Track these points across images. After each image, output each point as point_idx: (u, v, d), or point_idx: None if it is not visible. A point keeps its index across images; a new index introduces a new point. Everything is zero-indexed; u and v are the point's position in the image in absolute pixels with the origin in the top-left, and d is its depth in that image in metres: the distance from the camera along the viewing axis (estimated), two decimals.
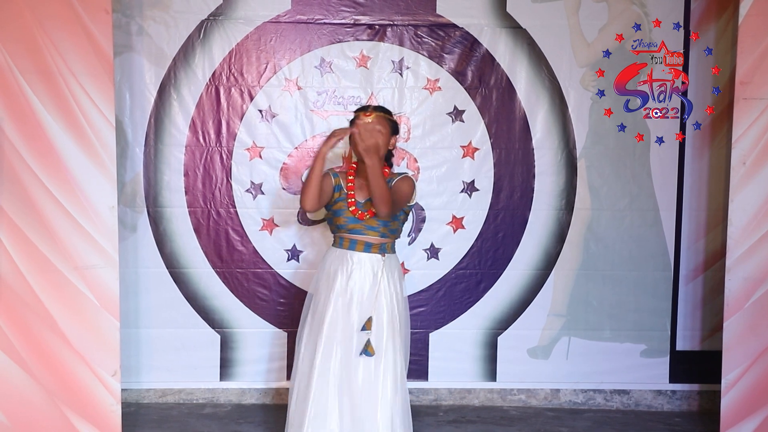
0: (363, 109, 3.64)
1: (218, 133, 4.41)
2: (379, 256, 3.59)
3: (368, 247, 3.58)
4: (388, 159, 3.72)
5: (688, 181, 4.55)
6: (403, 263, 4.29)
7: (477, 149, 4.49)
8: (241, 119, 4.41)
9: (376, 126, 3.54)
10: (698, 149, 4.54)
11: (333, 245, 3.67)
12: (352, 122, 3.61)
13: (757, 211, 3.86)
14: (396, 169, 3.98)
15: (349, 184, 3.62)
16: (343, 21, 4.41)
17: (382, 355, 3.51)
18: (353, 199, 3.58)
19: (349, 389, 3.48)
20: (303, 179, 4.38)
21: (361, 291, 3.54)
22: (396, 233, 3.67)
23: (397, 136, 3.72)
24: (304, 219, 4.46)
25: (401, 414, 3.54)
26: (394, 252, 3.68)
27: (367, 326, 3.49)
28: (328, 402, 3.47)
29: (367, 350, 3.48)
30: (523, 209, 4.52)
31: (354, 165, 3.67)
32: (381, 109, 3.65)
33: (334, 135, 3.51)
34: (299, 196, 3.59)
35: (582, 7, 4.43)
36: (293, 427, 3.54)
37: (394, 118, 3.69)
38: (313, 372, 3.48)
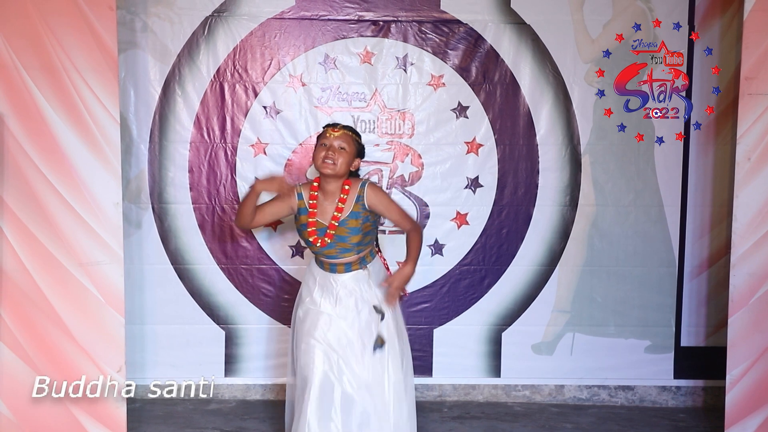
0: (332, 125, 3.58)
1: (223, 129, 4.41)
2: (361, 271, 3.58)
3: (348, 267, 3.57)
4: (354, 174, 3.64)
5: (693, 177, 4.54)
6: None
7: (481, 145, 4.49)
8: (246, 116, 4.41)
9: (342, 143, 3.49)
10: (702, 145, 4.54)
11: (314, 262, 3.65)
12: (320, 137, 3.58)
13: (762, 206, 3.86)
14: (362, 173, 3.86)
15: (312, 199, 3.56)
16: (347, 17, 4.41)
17: (386, 359, 3.52)
18: (314, 228, 3.52)
19: (355, 397, 3.47)
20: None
21: (349, 307, 3.53)
22: (371, 243, 3.64)
23: (361, 160, 3.61)
24: None
25: (408, 414, 3.56)
26: (373, 257, 3.66)
27: (379, 341, 3.51)
28: (332, 411, 3.45)
29: (378, 343, 3.50)
30: (528, 205, 4.52)
31: (316, 181, 3.59)
32: (350, 129, 3.59)
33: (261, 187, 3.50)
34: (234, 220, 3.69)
35: (586, 2, 4.42)
36: None
37: (362, 141, 3.62)
38: (313, 388, 3.45)
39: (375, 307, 3.53)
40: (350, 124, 4.40)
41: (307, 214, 3.55)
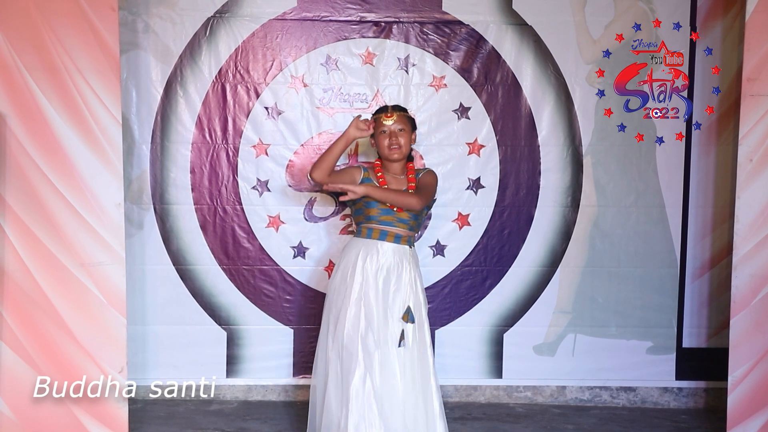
0: (383, 110, 3.78)
1: (224, 130, 4.42)
2: (406, 247, 3.69)
3: (398, 239, 3.68)
4: (408, 155, 3.85)
5: (695, 178, 4.54)
6: None
7: (483, 146, 4.49)
8: (248, 116, 4.42)
9: (399, 125, 3.73)
10: (704, 146, 4.53)
11: (358, 236, 3.74)
12: (375, 124, 3.78)
13: (763, 208, 3.86)
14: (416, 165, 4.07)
15: (380, 179, 3.74)
16: (349, 18, 4.41)
17: (416, 346, 3.60)
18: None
19: (388, 384, 3.53)
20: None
21: (389, 280, 3.62)
22: (419, 227, 3.81)
23: (416, 132, 3.88)
24: (310, 216, 4.47)
25: (439, 402, 3.67)
26: (414, 246, 3.80)
27: (403, 318, 3.58)
28: (369, 400, 3.51)
29: (401, 340, 3.58)
30: (529, 206, 4.52)
31: (378, 162, 3.82)
32: (398, 108, 3.80)
33: (361, 127, 3.71)
34: (310, 171, 3.75)
35: (588, 3, 4.42)
36: (329, 424, 3.57)
37: (411, 114, 3.86)
38: (349, 370, 3.52)
39: (408, 308, 3.61)
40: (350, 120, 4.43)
41: (370, 183, 3.71)
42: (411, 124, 3.81)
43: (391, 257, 3.65)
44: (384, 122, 3.73)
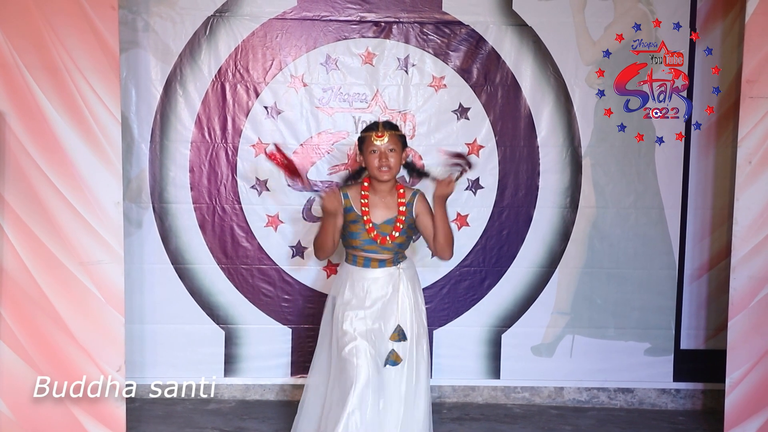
0: (374, 129, 3.55)
1: (224, 129, 4.41)
2: (394, 268, 3.58)
3: (383, 263, 3.56)
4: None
5: (694, 180, 4.54)
6: None
7: (482, 147, 4.49)
8: (247, 116, 4.42)
9: (390, 146, 3.51)
10: (703, 148, 4.54)
11: (346, 261, 3.64)
12: (361, 141, 3.59)
13: (762, 209, 3.86)
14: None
15: (364, 208, 3.55)
16: (348, 18, 4.41)
17: (412, 363, 3.51)
18: (371, 225, 3.53)
19: (382, 401, 3.45)
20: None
21: (381, 304, 3.52)
22: (406, 248, 3.67)
23: (408, 150, 3.66)
24: (308, 216, 4.47)
25: (426, 421, 3.54)
26: (406, 258, 3.66)
27: (392, 337, 3.50)
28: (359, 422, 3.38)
29: (392, 360, 3.48)
30: (528, 207, 4.52)
31: (366, 181, 3.60)
32: (389, 126, 3.58)
33: (331, 198, 3.50)
34: (317, 255, 3.64)
35: (588, 5, 4.42)
36: None
37: (402, 132, 3.65)
38: (347, 390, 3.39)
39: (399, 327, 3.52)
40: (351, 125, 4.42)
41: (353, 212, 3.55)
42: (402, 143, 3.59)
43: (380, 282, 3.55)
44: (374, 142, 3.51)
